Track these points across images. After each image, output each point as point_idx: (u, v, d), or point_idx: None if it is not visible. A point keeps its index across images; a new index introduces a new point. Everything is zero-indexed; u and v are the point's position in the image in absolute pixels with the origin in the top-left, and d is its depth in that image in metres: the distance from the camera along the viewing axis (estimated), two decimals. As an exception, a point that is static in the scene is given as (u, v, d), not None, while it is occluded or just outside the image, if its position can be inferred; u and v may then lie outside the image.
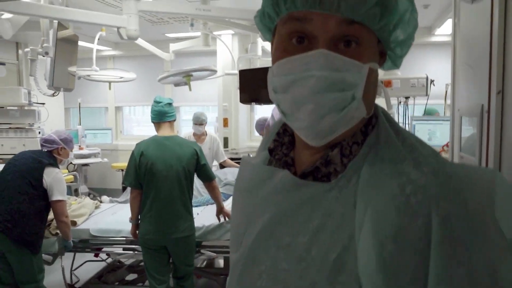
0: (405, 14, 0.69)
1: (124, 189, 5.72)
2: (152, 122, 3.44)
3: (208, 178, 3.48)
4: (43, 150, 3.51)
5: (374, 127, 0.74)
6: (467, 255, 0.57)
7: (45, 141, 3.52)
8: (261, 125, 5.38)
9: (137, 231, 3.38)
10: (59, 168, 3.50)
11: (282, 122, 0.84)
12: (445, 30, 6.30)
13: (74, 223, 3.87)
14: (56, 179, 3.35)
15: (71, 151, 3.70)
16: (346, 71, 0.65)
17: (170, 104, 3.41)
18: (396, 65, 0.77)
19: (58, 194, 3.33)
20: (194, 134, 5.23)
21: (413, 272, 0.58)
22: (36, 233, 3.28)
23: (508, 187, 0.65)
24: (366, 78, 0.66)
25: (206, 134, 5.31)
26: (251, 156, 0.92)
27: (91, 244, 3.96)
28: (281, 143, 0.82)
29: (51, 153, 3.49)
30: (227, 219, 3.69)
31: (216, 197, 3.57)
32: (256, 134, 7.74)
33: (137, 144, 3.39)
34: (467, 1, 1.23)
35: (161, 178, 3.20)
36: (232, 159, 5.73)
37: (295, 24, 0.68)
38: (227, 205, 3.94)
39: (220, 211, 3.63)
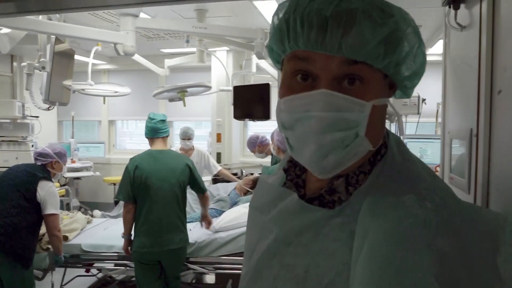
0: (412, 49, 0.69)
1: (116, 203, 5.70)
2: (146, 137, 3.53)
3: (201, 191, 3.59)
4: (37, 163, 3.50)
5: (383, 157, 0.75)
6: None
7: (39, 155, 3.52)
8: (253, 143, 5.40)
9: (129, 247, 3.40)
10: (53, 181, 3.49)
11: None
12: (437, 50, 6.39)
13: (65, 238, 3.84)
14: (49, 192, 3.34)
15: (65, 165, 3.69)
16: (348, 110, 0.66)
17: (163, 121, 3.51)
18: (407, 95, 0.77)
19: (51, 207, 3.32)
20: (182, 149, 5.24)
21: None
22: (28, 247, 3.26)
23: None
24: (370, 115, 0.67)
25: (194, 149, 5.33)
26: (263, 174, 0.96)
27: (82, 259, 3.93)
28: (294, 164, 0.85)
29: (45, 167, 3.48)
30: (210, 228, 3.82)
31: (204, 205, 3.72)
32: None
33: (131, 159, 3.45)
34: (457, 29, 1.28)
35: (156, 191, 3.26)
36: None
37: (299, 63, 0.70)
38: (220, 221, 3.96)
39: (204, 217, 3.80)
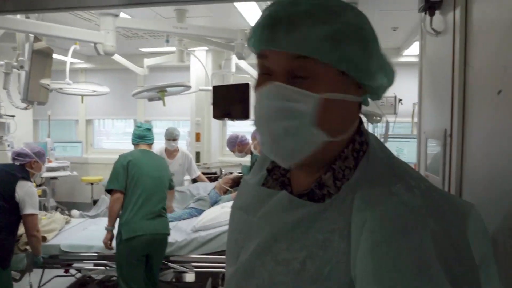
0: (366, 47, 0.75)
1: (94, 202, 5.65)
2: (133, 143, 3.79)
3: (171, 187, 3.93)
4: (15, 163, 3.46)
5: (365, 153, 0.80)
6: (453, 271, 0.63)
7: (18, 155, 3.48)
8: (233, 143, 5.40)
9: (110, 242, 3.49)
10: (31, 181, 3.46)
11: None
12: (413, 51, 6.53)
13: (44, 239, 3.80)
14: (28, 192, 3.32)
15: (44, 164, 3.66)
16: (296, 101, 0.73)
17: (149, 129, 3.80)
18: (376, 96, 0.82)
19: (30, 207, 3.30)
20: (166, 150, 5.22)
21: (407, 285, 0.62)
22: (7, 247, 3.24)
23: (479, 221, 0.75)
24: (322, 107, 0.72)
25: (178, 150, 5.32)
26: (245, 176, 0.99)
27: (61, 260, 3.90)
28: (278, 165, 0.88)
29: (24, 167, 3.45)
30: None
31: (170, 200, 4.09)
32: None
33: (121, 155, 3.65)
34: (432, 34, 1.34)
35: (147, 182, 3.50)
36: (204, 173, 5.75)
37: (260, 61, 0.78)
38: (200, 220, 3.98)
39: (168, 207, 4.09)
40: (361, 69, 0.75)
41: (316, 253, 0.73)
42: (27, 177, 3.40)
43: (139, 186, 3.46)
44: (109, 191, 3.55)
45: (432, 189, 0.74)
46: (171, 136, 5.14)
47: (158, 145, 5.22)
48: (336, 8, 0.74)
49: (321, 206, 0.76)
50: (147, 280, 3.57)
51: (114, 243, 3.54)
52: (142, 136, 3.73)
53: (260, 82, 0.78)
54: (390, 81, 0.82)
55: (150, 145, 3.80)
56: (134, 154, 3.64)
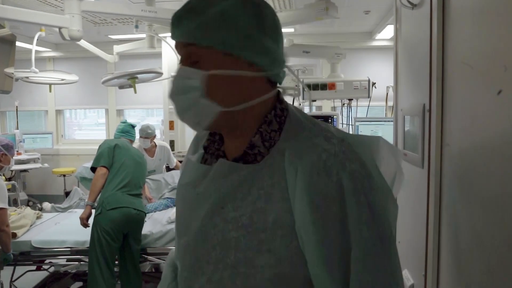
0: (242, 30, 0.87)
1: (67, 194, 5.52)
2: (115, 138, 3.96)
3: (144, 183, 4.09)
4: None
5: (286, 117, 0.94)
6: (368, 200, 0.81)
7: None
8: None
9: (86, 218, 3.51)
10: (0, 175, 3.35)
11: None
12: (385, 35, 6.55)
13: (14, 235, 3.69)
14: None
15: (12, 157, 3.56)
16: (191, 78, 0.89)
17: (132, 126, 4.05)
18: (275, 78, 0.95)
19: (0, 201, 3.20)
20: (144, 148, 4.87)
21: (339, 218, 0.79)
22: None
23: (386, 147, 0.93)
24: (211, 82, 0.87)
25: (156, 146, 5.03)
26: (188, 155, 1.11)
27: (32, 256, 3.79)
28: (213, 141, 1.02)
29: None
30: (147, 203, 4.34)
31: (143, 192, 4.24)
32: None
33: (106, 140, 3.92)
34: (408, 7, 1.30)
35: (133, 164, 3.71)
36: (180, 161, 5.65)
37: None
38: (174, 211, 3.91)
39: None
40: (238, 50, 0.88)
41: (260, 207, 0.85)
42: None
43: (125, 168, 3.62)
44: (93, 169, 3.65)
45: (346, 137, 0.89)
46: (142, 134, 4.81)
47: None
48: (215, 0, 0.89)
49: (257, 166, 0.89)
50: (128, 271, 3.57)
51: (90, 222, 3.53)
52: (126, 131, 3.96)
53: None
54: (272, 62, 0.92)
55: (131, 141, 3.99)
56: (120, 140, 3.83)
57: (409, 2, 1.28)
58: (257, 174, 0.87)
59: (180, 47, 0.92)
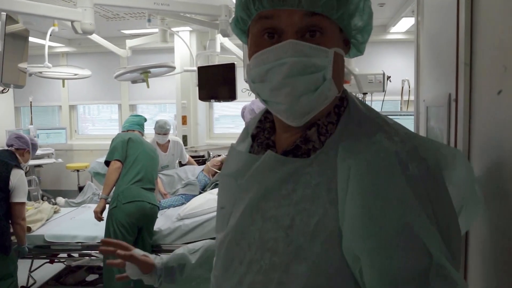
0: (359, 3, 0.79)
1: (80, 189, 5.54)
2: (125, 130, 3.98)
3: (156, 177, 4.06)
4: (11, 147, 3.46)
5: (346, 108, 0.83)
6: (434, 209, 0.70)
7: (18, 137, 3.49)
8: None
9: (101, 212, 3.54)
10: (23, 169, 3.42)
11: (263, 111, 0.94)
12: (400, 28, 6.45)
13: (28, 229, 3.74)
14: (21, 181, 3.30)
15: (31, 158, 3.69)
16: (315, 56, 0.75)
17: (141, 117, 4.08)
18: (359, 51, 0.86)
19: (21, 196, 3.29)
20: (157, 143, 4.90)
21: (396, 222, 0.68)
22: (7, 234, 3.24)
23: (464, 166, 0.83)
24: (335, 61, 0.76)
25: (169, 141, 5.03)
26: (233, 143, 1.00)
27: (45, 250, 3.83)
28: (263, 129, 0.92)
29: (14, 155, 3.41)
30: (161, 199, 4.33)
31: (157, 189, 4.14)
32: (216, 131, 7.69)
33: (119, 134, 3.88)
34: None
35: (147, 158, 3.72)
36: (192, 157, 5.64)
37: (265, 22, 0.78)
38: (185, 208, 3.92)
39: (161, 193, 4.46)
40: (354, 27, 0.80)
41: (304, 208, 0.75)
42: (19, 165, 3.41)
43: (139, 162, 3.63)
44: (107, 163, 3.66)
45: (412, 136, 0.78)
46: (161, 130, 4.82)
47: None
48: None
49: (306, 161, 0.78)
50: None
51: (104, 215, 3.56)
52: (141, 123, 4.02)
53: (265, 45, 0.78)
54: (368, 35, 0.84)
55: (142, 134, 4.00)
56: (133, 134, 3.82)
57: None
58: (305, 170, 0.77)
59: (295, 17, 0.75)
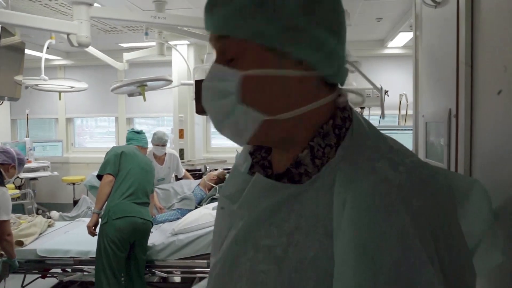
0: (287, 17, 0.68)
1: (75, 203, 5.49)
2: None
3: (151, 191, 3.93)
4: None
5: (348, 129, 0.74)
6: (439, 255, 0.61)
7: (4, 152, 3.42)
8: None
9: (93, 227, 3.47)
10: (6, 187, 3.34)
11: None
12: (397, 43, 6.47)
13: (20, 243, 3.67)
14: (3, 199, 3.22)
15: (17, 174, 3.59)
16: (226, 80, 0.72)
17: (136, 132, 3.99)
18: (330, 78, 0.75)
19: (4, 214, 3.21)
20: (155, 155, 4.88)
21: (391, 267, 0.59)
22: None
23: (482, 198, 0.72)
24: (250, 84, 0.70)
25: (165, 154, 5.01)
26: (237, 161, 0.93)
27: (38, 265, 3.76)
28: (260, 147, 0.85)
29: None
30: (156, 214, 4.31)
31: (152, 204, 4.04)
32: (213, 145, 7.66)
33: (114, 147, 3.84)
34: (431, 5, 1.22)
35: (140, 172, 3.64)
36: (188, 170, 5.60)
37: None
38: (179, 223, 3.87)
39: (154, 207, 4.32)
40: (281, 43, 0.69)
41: (298, 240, 0.68)
42: (1, 182, 3.29)
43: (131, 176, 3.56)
44: (99, 177, 3.60)
45: (420, 165, 0.68)
46: (159, 142, 4.80)
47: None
48: None
49: (300, 187, 0.71)
50: (133, 281, 3.52)
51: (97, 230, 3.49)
52: (129, 138, 3.93)
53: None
54: (327, 59, 0.72)
55: (142, 147, 3.92)
56: (127, 147, 3.79)
57: (433, 1, 1.20)
58: (300, 198, 0.70)
59: (214, 41, 0.74)
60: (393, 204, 0.61)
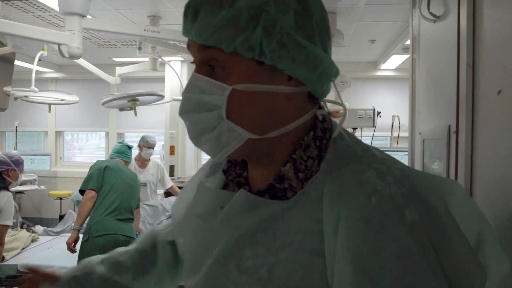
0: (278, 29, 0.65)
1: (61, 218, 5.39)
2: (110, 158, 3.90)
3: (137, 206, 3.86)
4: None
5: (329, 141, 0.72)
6: (442, 264, 0.58)
7: None
8: None
9: (73, 243, 3.40)
10: (10, 191, 3.31)
11: None
12: (390, 65, 6.51)
13: (2, 258, 3.56)
14: (8, 203, 3.23)
15: (21, 173, 3.59)
16: (210, 93, 0.67)
17: (129, 147, 3.95)
18: (316, 92, 0.73)
19: (7, 218, 3.21)
20: (139, 158, 4.97)
21: (393, 284, 0.56)
22: None
23: (467, 200, 0.72)
24: (236, 99, 0.66)
25: (149, 160, 5.11)
26: (202, 178, 0.88)
27: (18, 280, 3.64)
28: (234, 164, 0.81)
29: (1, 175, 3.31)
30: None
31: (137, 220, 3.99)
32: (204, 162, 7.59)
33: (98, 161, 3.76)
34: (430, 20, 1.20)
35: (124, 186, 3.55)
36: (179, 187, 5.53)
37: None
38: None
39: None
40: (273, 58, 0.66)
41: (284, 258, 0.65)
42: (6, 187, 3.31)
43: (115, 191, 3.48)
44: (82, 192, 3.53)
45: (407, 173, 0.67)
46: (147, 144, 4.89)
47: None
48: None
49: (285, 204, 0.68)
50: None
51: (77, 247, 3.42)
52: (121, 151, 3.88)
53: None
54: (320, 75, 0.70)
55: (126, 162, 3.91)
56: (112, 161, 3.73)
57: (432, 14, 1.18)
58: (286, 215, 0.67)
59: (195, 48, 0.69)
60: (387, 216, 0.59)
